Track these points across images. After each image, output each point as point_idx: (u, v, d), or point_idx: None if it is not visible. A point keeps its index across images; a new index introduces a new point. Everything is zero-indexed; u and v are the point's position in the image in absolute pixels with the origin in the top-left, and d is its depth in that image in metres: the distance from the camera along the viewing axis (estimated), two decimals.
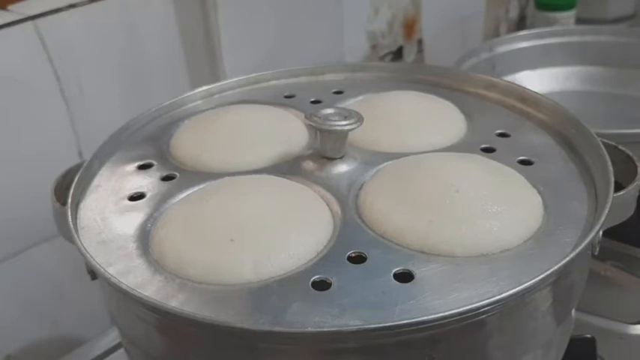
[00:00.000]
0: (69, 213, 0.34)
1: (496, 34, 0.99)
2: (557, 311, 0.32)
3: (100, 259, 0.31)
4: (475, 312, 0.27)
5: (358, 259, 0.31)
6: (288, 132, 0.42)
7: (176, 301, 0.29)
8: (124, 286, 0.29)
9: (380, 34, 0.79)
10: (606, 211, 0.31)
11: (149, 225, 0.34)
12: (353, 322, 0.27)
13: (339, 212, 0.34)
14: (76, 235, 0.32)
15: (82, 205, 0.36)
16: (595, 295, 0.50)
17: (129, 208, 0.36)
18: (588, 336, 0.45)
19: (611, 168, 0.34)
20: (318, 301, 0.28)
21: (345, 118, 0.36)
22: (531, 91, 0.43)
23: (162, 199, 0.36)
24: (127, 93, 0.57)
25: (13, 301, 0.55)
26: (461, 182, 0.33)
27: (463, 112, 0.44)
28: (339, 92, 0.47)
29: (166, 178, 0.38)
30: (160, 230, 0.34)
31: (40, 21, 0.50)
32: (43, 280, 0.56)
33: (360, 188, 0.36)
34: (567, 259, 0.29)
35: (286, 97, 0.47)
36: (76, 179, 0.37)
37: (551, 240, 0.31)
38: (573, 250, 0.29)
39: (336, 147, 0.38)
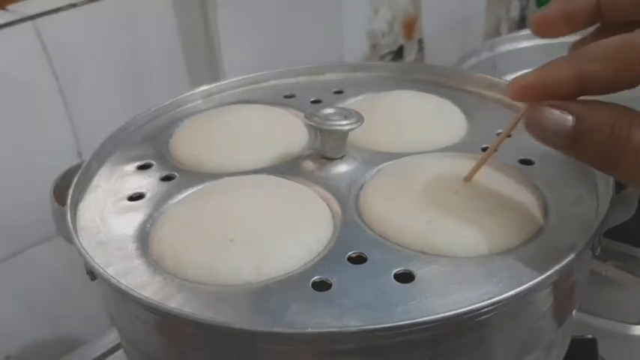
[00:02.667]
0: (68, 213, 0.34)
1: (497, 33, 0.99)
2: (559, 312, 0.32)
3: (99, 259, 0.31)
4: (476, 313, 0.27)
5: (358, 259, 0.31)
6: (287, 132, 0.42)
7: (175, 302, 0.29)
8: (123, 287, 0.29)
9: (380, 33, 0.79)
10: (607, 211, 0.31)
11: (148, 225, 0.34)
12: (353, 322, 0.27)
13: (339, 212, 0.34)
14: (75, 236, 0.32)
15: (81, 206, 0.36)
16: (596, 296, 0.50)
17: (128, 209, 0.36)
18: (589, 336, 0.45)
19: None
20: (318, 301, 0.28)
21: (345, 117, 0.36)
22: None
23: (162, 199, 0.36)
24: (127, 93, 0.57)
25: (13, 302, 0.55)
26: (461, 182, 0.33)
27: (464, 111, 0.43)
28: (339, 92, 0.47)
29: (166, 179, 0.38)
30: (159, 230, 0.33)
31: (39, 21, 0.50)
32: (43, 281, 0.56)
33: (361, 188, 0.36)
34: (568, 259, 0.29)
35: (286, 96, 0.47)
36: (75, 180, 0.37)
37: (552, 240, 0.31)
38: (574, 250, 0.29)
39: (336, 147, 0.37)
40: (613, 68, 0.26)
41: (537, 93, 0.28)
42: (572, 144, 0.27)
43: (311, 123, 0.36)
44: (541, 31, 0.31)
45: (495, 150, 0.33)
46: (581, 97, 0.28)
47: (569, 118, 0.27)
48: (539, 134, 0.28)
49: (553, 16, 0.30)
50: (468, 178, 0.33)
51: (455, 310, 0.26)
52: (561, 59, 0.28)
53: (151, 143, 0.42)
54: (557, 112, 0.27)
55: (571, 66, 0.27)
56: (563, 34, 0.31)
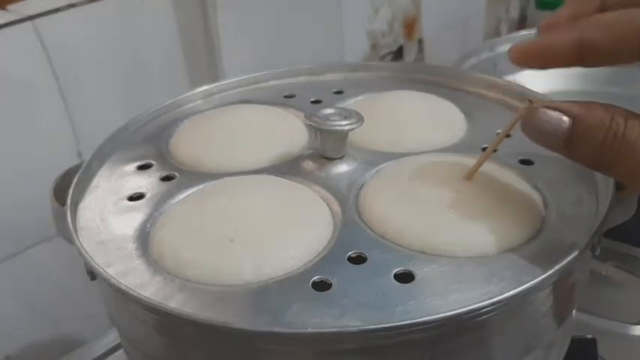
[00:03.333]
0: (68, 213, 0.34)
1: (497, 33, 0.99)
2: (558, 312, 0.32)
3: (99, 259, 0.31)
4: (476, 313, 0.27)
5: (358, 259, 0.30)
6: (287, 132, 0.42)
7: (175, 302, 0.29)
8: (123, 287, 0.29)
9: (380, 33, 0.79)
10: (607, 211, 0.31)
11: (148, 225, 0.34)
12: (353, 322, 0.27)
13: (339, 212, 0.34)
14: (75, 236, 0.32)
15: (81, 206, 0.36)
16: (596, 296, 0.50)
17: (128, 209, 0.36)
18: (589, 337, 0.45)
19: None
20: (318, 301, 0.28)
21: (346, 118, 0.36)
22: (532, 90, 0.43)
23: (162, 199, 0.36)
24: (127, 93, 0.57)
25: (13, 302, 0.55)
26: (461, 182, 0.33)
27: (463, 111, 0.43)
28: (339, 92, 0.47)
29: (166, 179, 0.38)
30: (159, 230, 0.33)
31: (39, 21, 0.50)
32: (42, 281, 0.56)
33: (360, 188, 0.36)
34: (568, 259, 0.29)
35: (286, 96, 0.47)
36: (75, 180, 0.36)
37: (552, 240, 0.31)
38: (574, 250, 0.29)
39: (336, 147, 0.37)
40: (612, 38, 0.27)
41: (537, 56, 0.28)
42: (568, 146, 0.27)
43: (311, 123, 0.36)
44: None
45: (495, 150, 0.33)
46: (583, 100, 0.27)
47: (566, 119, 0.27)
48: (535, 135, 0.28)
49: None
50: (467, 177, 0.33)
51: (455, 310, 0.26)
52: (563, 26, 0.28)
53: (151, 143, 0.42)
54: (553, 114, 0.27)
55: (571, 32, 0.27)
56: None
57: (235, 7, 0.60)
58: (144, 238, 0.33)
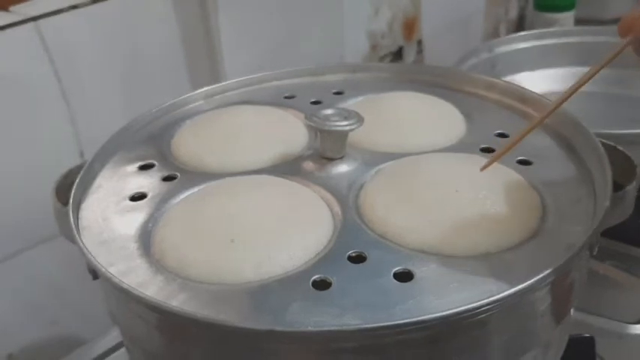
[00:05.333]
0: (70, 213, 0.34)
1: (496, 34, 0.99)
2: (556, 311, 0.32)
3: (101, 259, 0.31)
4: (474, 311, 0.27)
5: (358, 258, 0.31)
6: (288, 132, 0.42)
7: (177, 301, 0.29)
8: (125, 286, 0.29)
9: (380, 34, 0.79)
10: (605, 210, 0.31)
11: (150, 225, 0.34)
12: (353, 321, 0.27)
13: (339, 212, 0.34)
14: (77, 236, 0.33)
15: (83, 206, 0.36)
16: (594, 295, 0.50)
17: (130, 209, 0.36)
18: (587, 335, 0.45)
19: (609, 168, 0.34)
20: (319, 300, 0.28)
21: (345, 118, 0.37)
22: (531, 91, 0.43)
23: (163, 199, 0.36)
24: (128, 93, 0.57)
25: (14, 301, 0.55)
26: (460, 182, 0.34)
27: (463, 112, 0.44)
28: (339, 93, 0.48)
29: (167, 179, 0.38)
30: (160, 230, 0.34)
31: (41, 22, 0.50)
32: (44, 281, 0.56)
33: (360, 188, 0.36)
34: (566, 258, 0.29)
35: (286, 97, 0.47)
36: (78, 180, 0.37)
37: (550, 240, 0.32)
38: (572, 249, 0.29)
39: (336, 147, 0.38)
40: None
41: None
42: None
43: (311, 123, 0.36)
44: (628, 33, 0.28)
45: (493, 149, 0.33)
46: None
47: None
48: None
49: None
50: (487, 164, 0.33)
51: (453, 308, 0.26)
52: None
53: (153, 144, 0.42)
54: None
55: None
56: None
57: (236, 8, 0.61)
58: (146, 238, 0.33)
